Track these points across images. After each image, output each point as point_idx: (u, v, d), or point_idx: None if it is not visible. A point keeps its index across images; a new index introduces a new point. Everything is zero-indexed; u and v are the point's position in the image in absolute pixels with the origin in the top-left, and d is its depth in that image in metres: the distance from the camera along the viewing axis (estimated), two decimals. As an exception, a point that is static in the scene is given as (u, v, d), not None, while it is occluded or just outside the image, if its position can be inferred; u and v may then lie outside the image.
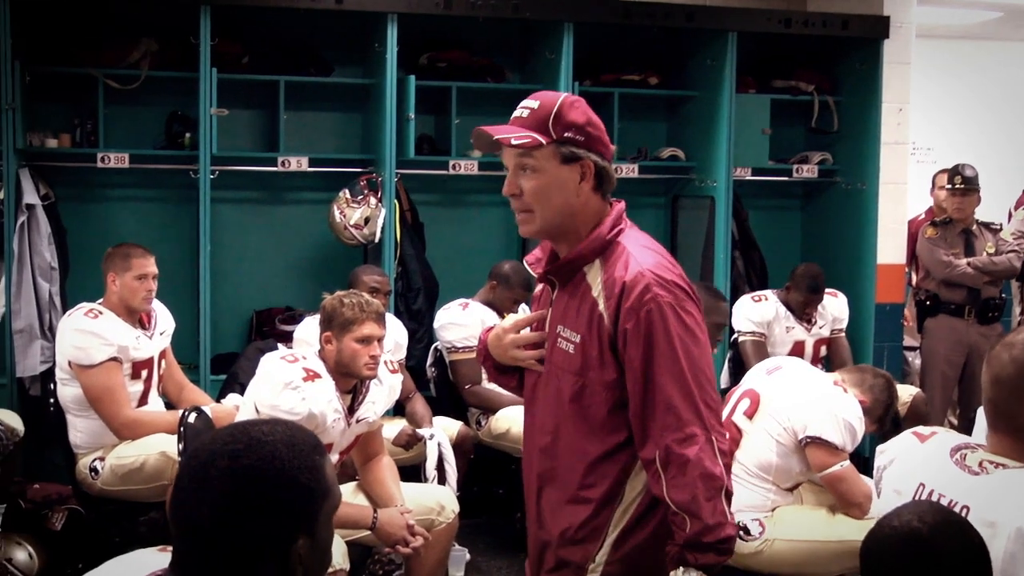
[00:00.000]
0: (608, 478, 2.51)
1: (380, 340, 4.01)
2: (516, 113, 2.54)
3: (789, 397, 4.13)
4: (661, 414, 2.40)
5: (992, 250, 6.65)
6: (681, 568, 2.42)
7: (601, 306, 2.47)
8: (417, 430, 5.18)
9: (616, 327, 2.44)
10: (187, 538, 1.71)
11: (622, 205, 2.60)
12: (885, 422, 4.36)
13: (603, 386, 2.48)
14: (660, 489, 2.41)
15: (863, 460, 6.13)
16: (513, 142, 2.47)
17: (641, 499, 2.50)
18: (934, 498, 2.28)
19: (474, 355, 5.60)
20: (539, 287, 2.76)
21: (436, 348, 5.81)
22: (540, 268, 2.66)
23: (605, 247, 2.52)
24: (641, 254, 2.49)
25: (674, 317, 2.41)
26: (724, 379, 6.10)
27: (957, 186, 6.70)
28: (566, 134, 2.47)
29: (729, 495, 2.43)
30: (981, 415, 4.48)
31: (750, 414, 4.16)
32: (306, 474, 1.72)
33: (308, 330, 5.04)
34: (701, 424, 2.40)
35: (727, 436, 2.49)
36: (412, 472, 5.01)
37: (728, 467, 2.44)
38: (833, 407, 4.04)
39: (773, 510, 4.12)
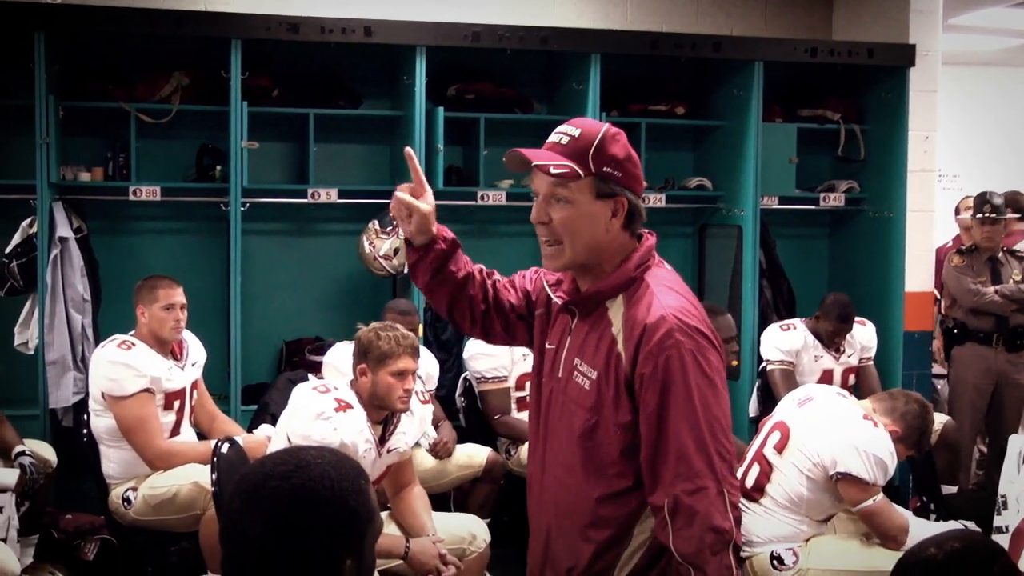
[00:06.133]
0: (616, 520, 2.44)
1: (414, 374, 4.04)
2: (554, 138, 2.44)
3: (818, 432, 4.10)
4: (673, 462, 2.32)
5: (1019, 277, 6.60)
6: None
7: (620, 346, 2.40)
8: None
9: (634, 369, 2.36)
10: (238, 559, 1.74)
11: (652, 240, 2.52)
12: (921, 446, 4.32)
13: (617, 426, 2.40)
14: (666, 538, 2.33)
15: (895, 489, 6.12)
16: (553, 171, 2.37)
17: (650, 543, 2.43)
18: None
19: (503, 385, 5.69)
20: (550, 303, 2.64)
21: (465, 378, 5.83)
22: (560, 291, 2.57)
23: (629, 283, 2.45)
24: (665, 295, 2.40)
25: (693, 364, 2.33)
26: (752, 408, 6.09)
27: (987, 215, 6.64)
28: (605, 168, 2.39)
29: (738, 549, 2.34)
30: (1013, 443, 4.47)
31: (779, 448, 4.14)
32: (354, 497, 1.75)
33: (337, 356, 5.07)
34: (713, 476, 2.31)
35: (739, 488, 2.42)
36: (443, 501, 5.01)
37: (738, 520, 2.35)
38: (862, 443, 4.00)
39: (807, 540, 4.10)
